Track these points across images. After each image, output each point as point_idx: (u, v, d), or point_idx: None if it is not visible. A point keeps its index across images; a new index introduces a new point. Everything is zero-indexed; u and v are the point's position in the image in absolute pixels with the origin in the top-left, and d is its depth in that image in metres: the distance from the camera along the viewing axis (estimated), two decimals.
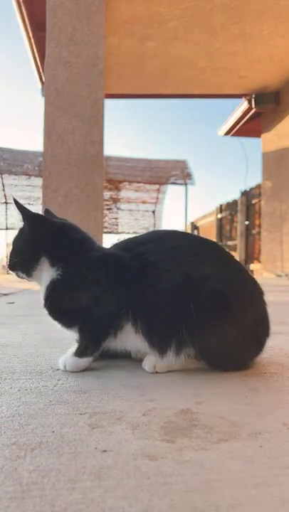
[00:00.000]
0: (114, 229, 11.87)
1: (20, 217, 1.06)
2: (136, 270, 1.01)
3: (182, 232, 1.17)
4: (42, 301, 1.06)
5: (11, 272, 1.10)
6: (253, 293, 1.05)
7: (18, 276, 1.10)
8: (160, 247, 1.04)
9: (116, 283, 1.02)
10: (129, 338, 1.02)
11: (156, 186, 11.52)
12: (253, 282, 1.08)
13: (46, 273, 1.04)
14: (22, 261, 1.07)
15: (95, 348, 1.02)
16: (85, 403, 0.78)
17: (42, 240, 1.05)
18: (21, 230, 1.08)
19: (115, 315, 0.99)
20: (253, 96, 7.63)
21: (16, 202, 1.05)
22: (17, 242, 1.09)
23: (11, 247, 1.11)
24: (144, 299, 0.98)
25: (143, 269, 1.00)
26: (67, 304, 1.03)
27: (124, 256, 1.06)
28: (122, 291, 1.01)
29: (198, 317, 0.94)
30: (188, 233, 1.27)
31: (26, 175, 10.48)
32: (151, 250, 1.04)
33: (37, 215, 1.09)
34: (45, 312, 1.06)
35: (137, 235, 1.24)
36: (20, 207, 1.05)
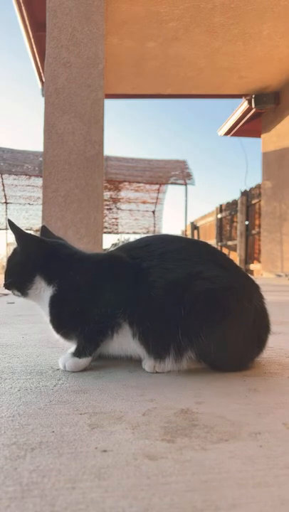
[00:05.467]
0: (114, 229, 11.87)
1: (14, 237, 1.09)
2: (130, 269, 1.02)
3: (171, 236, 1.17)
4: (47, 319, 1.09)
5: (7, 290, 1.13)
6: (248, 289, 1.04)
7: (15, 295, 1.13)
8: (148, 253, 1.05)
9: (109, 283, 1.03)
10: (128, 343, 1.03)
11: (156, 186, 11.52)
12: (247, 278, 1.08)
13: (45, 292, 1.07)
14: (16, 281, 1.10)
15: (93, 348, 1.03)
16: (85, 403, 0.78)
17: (35, 260, 1.08)
18: (15, 250, 1.11)
19: (111, 314, 1.00)
20: (253, 96, 7.64)
21: (10, 223, 1.08)
22: (11, 262, 1.11)
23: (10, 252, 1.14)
24: (137, 306, 0.99)
25: (136, 272, 1.02)
26: (65, 315, 1.05)
27: (117, 256, 1.09)
28: (116, 290, 1.02)
29: (191, 320, 0.94)
30: (178, 236, 1.23)
31: (26, 175, 10.47)
32: (140, 257, 1.05)
33: (29, 235, 1.11)
34: (51, 327, 1.08)
35: (136, 236, 1.25)
36: (14, 227, 1.07)
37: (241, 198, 9.91)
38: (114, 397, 0.82)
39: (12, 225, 1.08)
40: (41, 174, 5.00)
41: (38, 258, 1.08)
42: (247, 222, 9.88)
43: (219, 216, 11.56)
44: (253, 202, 9.48)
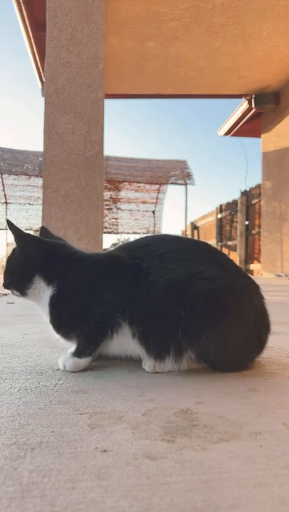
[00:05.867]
0: (114, 229, 11.87)
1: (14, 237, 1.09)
2: (130, 269, 1.03)
3: (171, 236, 1.16)
4: (47, 319, 1.09)
5: (7, 290, 1.14)
6: (248, 289, 1.04)
7: (14, 295, 1.13)
8: (148, 253, 1.05)
9: (110, 283, 1.03)
10: (128, 343, 1.03)
11: (156, 186, 11.52)
12: (247, 278, 1.08)
13: (45, 293, 1.07)
14: (15, 280, 1.10)
15: (93, 348, 1.03)
16: (85, 403, 0.78)
17: (34, 260, 1.08)
18: (14, 250, 1.12)
19: (111, 314, 1.00)
20: (253, 96, 7.63)
21: (9, 223, 1.08)
22: (10, 261, 1.11)
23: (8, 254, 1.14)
24: (137, 306, 0.99)
25: (136, 272, 1.02)
26: (65, 315, 1.05)
27: (117, 256, 1.09)
28: (116, 290, 1.02)
29: (191, 320, 0.94)
30: (178, 236, 1.22)
31: (26, 175, 10.47)
32: (140, 257, 1.05)
33: (28, 235, 1.11)
34: (51, 328, 1.08)
35: (136, 236, 1.25)
36: (13, 228, 1.08)
37: (241, 198, 9.90)
38: (114, 397, 0.82)
39: (11, 226, 1.08)
40: (41, 174, 5.00)
41: (38, 258, 1.08)
42: (247, 222, 9.88)
43: (219, 216, 11.55)
44: (253, 202, 9.48)
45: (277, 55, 6.27)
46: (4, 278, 1.12)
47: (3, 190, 10.68)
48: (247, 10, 5.16)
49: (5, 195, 10.71)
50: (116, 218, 11.87)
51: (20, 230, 1.08)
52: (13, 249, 1.12)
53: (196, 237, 13.21)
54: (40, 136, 4.47)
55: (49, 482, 0.50)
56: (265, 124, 8.25)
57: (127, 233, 12.00)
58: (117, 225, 11.88)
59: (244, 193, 10.00)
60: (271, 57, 6.36)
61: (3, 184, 10.60)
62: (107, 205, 11.51)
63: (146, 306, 0.98)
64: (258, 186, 9.11)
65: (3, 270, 1.14)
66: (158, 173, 11.16)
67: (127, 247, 1.12)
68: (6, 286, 1.12)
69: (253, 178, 17.73)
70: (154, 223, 12.05)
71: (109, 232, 11.79)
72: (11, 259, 1.11)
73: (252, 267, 9.39)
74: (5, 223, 10.69)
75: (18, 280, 1.09)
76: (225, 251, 10.52)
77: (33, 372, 1.01)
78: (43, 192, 4.30)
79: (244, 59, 6.38)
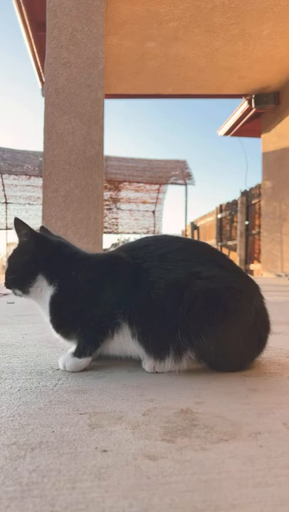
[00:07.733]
0: (114, 229, 11.86)
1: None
2: (130, 270, 1.03)
3: (171, 236, 1.16)
4: (47, 318, 1.09)
5: (7, 290, 1.13)
6: (248, 289, 1.04)
7: (16, 294, 1.12)
8: (148, 254, 1.05)
9: (110, 283, 1.04)
10: (128, 343, 1.03)
11: (156, 186, 11.51)
12: (247, 278, 1.08)
13: (46, 292, 1.07)
14: (18, 278, 1.10)
15: (93, 348, 1.03)
16: (85, 403, 0.78)
17: (39, 259, 1.08)
18: (16, 250, 1.12)
19: (111, 314, 1.00)
20: (253, 96, 7.63)
21: (18, 221, 1.08)
22: (13, 260, 1.11)
23: (10, 252, 1.14)
24: (137, 306, 0.99)
25: (136, 273, 1.02)
26: (66, 314, 1.05)
27: (117, 256, 1.09)
28: (116, 290, 1.03)
29: (191, 320, 0.94)
30: (177, 236, 1.20)
31: (26, 175, 10.46)
32: (140, 257, 1.05)
33: (39, 234, 1.11)
34: (51, 327, 1.08)
35: (136, 236, 1.25)
36: (24, 225, 1.08)
37: (241, 198, 9.90)
38: (114, 397, 0.82)
39: (21, 223, 1.07)
40: (41, 174, 5.01)
41: (43, 257, 1.08)
42: (247, 222, 9.87)
43: (219, 216, 11.55)
44: (253, 202, 9.48)
45: (277, 55, 6.27)
46: (6, 277, 1.12)
47: (3, 190, 10.66)
48: (247, 10, 5.16)
49: (5, 195, 10.70)
50: (116, 218, 11.86)
51: (32, 228, 1.09)
52: (15, 249, 1.12)
53: (196, 237, 13.21)
54: (40, 136, 4.47)
55: (49, 482, 0.50)
56: (265, 124, 8.25)
57: (127, 233, 11.99)
58: (117, 225, 11.87)
59: (244, 193, 9.99)
60: (271, 57, 6.36)
61: (3, 184, 10.59)
62: (107, 205, 11.51)
63: (146, 306, 0.98)
64: (258, 186, 9.10)
65: (5, 269, 1.14)
66: (158, 173, 11.15)
67: (128, 248, 1.12)
68: (7, 283, 1.11)
69: (253, 178, 17.73)
70: (154, 223, 12.03)
71: (109, 232, 11.79)
72: (13, 258, 1.11)
73: (252, 267, 9.38)
74: (5, 223, 10.69)
75: (21, 278, 1.09)
76: (225, 251, 10.52)
77: (33, 372, 1.01)
78: (43, 192, 4.30)
79: (244, 59, 6.38)
